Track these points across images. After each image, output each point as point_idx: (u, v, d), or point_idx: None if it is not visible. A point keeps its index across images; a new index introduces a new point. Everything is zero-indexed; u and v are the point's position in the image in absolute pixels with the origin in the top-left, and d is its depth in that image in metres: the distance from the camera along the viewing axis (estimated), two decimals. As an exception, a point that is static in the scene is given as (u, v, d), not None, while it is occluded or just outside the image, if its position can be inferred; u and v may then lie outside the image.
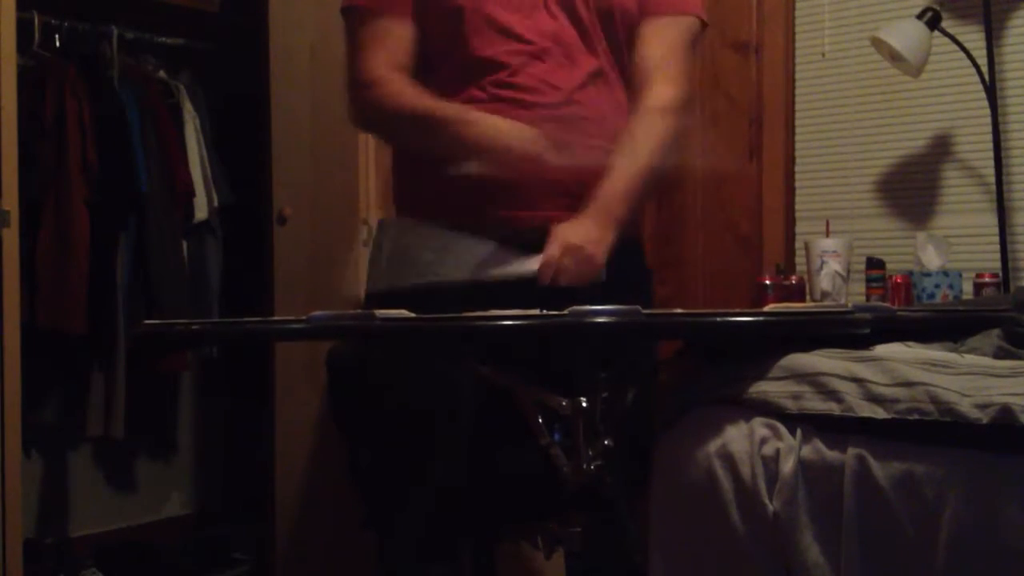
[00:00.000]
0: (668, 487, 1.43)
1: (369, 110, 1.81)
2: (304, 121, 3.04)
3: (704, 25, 1.87)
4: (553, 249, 1.61)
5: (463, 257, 1.61)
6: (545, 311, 1.38)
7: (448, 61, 1.79)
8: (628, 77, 1.82)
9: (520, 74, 1.74)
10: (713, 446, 1.38)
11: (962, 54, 2.48)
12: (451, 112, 1.70)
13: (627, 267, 1.85)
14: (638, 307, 1.34)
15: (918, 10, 2.48)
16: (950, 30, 2.49)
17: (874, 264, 2.51)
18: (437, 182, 1.79)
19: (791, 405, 1.34)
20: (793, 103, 2.86)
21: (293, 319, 1.43)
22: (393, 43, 1.79)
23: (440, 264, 1.67)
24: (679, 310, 1.58)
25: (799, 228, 2.84)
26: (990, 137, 2.46)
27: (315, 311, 1.38)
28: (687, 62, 1.82)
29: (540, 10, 1.77)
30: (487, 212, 1.75)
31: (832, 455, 1.30)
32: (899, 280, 2.43)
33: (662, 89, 1.76)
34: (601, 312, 1.32)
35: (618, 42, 1.83)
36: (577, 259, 1.62)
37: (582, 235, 1.63)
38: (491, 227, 1.75)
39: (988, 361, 1.35)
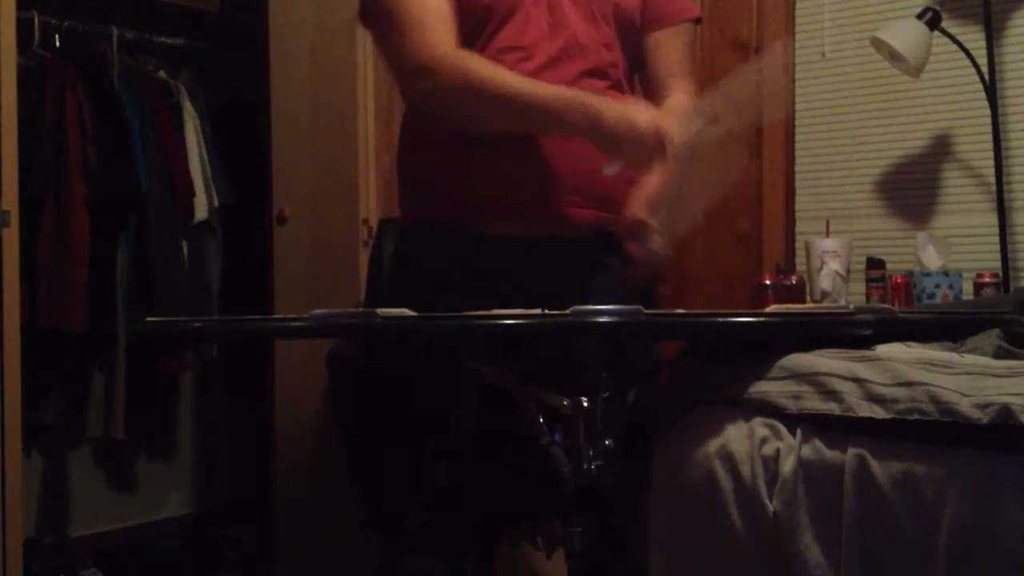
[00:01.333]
0: (668, 487, 1.43)
1: (450, 80, 1.65)
2: (304, 121, 3.04)
3: (698, 21, 1.94)
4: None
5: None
6: (546, 311, 1.38)
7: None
8: (643, 83, 1.87)
9: (514, 70, 1.73)
10: (713, 446, 1.38)
11: (962, 54, 2.48)
12: (578, 97, 1.61)
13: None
14: (639, 307, 1.34)
15: (918, 10, 2.48)
16: (950, 30, 2.49)
17: (874, 264, 2.51)
18: (445, 183, 1.78)
19: (791, 405, 1.34)
20: (793, 103, 2.85)
21: (294, 316, 1.43)
22: (448, 19, 1.68)
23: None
24: (680, 310, 1.58)
25: (799, 228, 2.84)
26: (990, 137, 2.46)
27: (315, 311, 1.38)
28: (693, 67, 1.91)
29: (546, 9, 1.76)
30: (495, 212, 1.75)
31: (832, 455, 1.30)
32: (899, 280, 2.43)
33: (681, 98, 1.81)
34: (602, 312, 1.32)
35: (625, 46, 1.83)
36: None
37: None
38: (493, 224, 1.75)
39: (988, 361, 1.35)
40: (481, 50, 1.72)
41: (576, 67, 1.75)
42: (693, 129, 1.58)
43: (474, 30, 1.74)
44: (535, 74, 1.70)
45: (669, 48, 1.85)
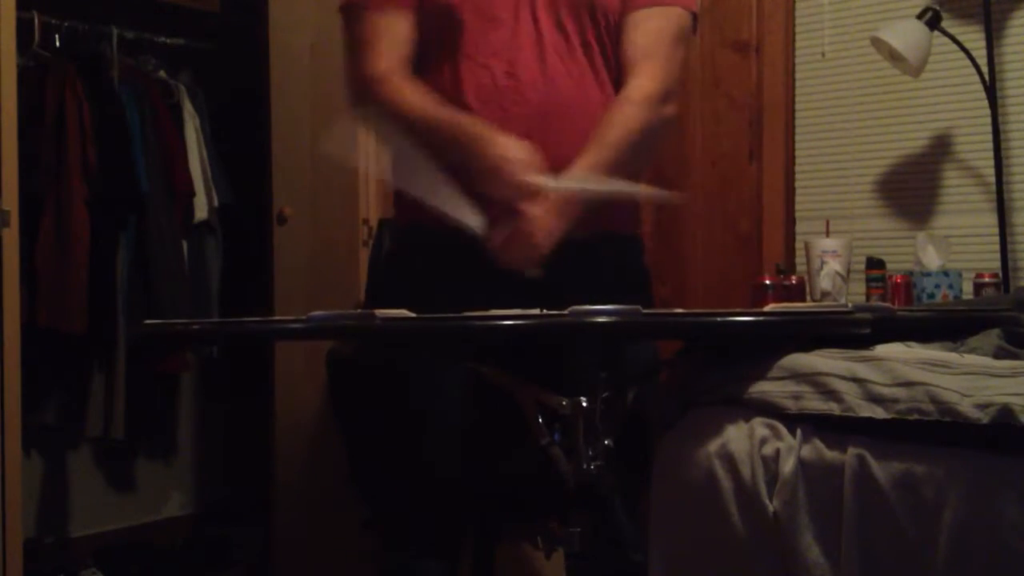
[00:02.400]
0: (668, 487, 1.43)
1: (377, 108, 1.77)
2: (304, 121, 3.04)
3: (694, 17, 1.86)
4: (506, 229, 1.61)
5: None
6: (545, 311, 1.38)
7: (432, 59, 1.80)
8: (617, 70, 1.82)
9: (510, 71, 1.74)
10: (713, 446, 1.38)
11: (962, 54, 2.48)
12: (467, 127, 1.67)
13: (627, 266, 1.86)
14: (638, 307, 1.34)
15: (918, 10, 2.48)
16: (950, 30, 2.49)
17: (874, 264, 2.51)
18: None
19: (791, 405, 1.34)
20: (793, 103, 2.85)
21: (293, 319, 1.43)
22: (397, 37, 1.77)
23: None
24: (679, 310, 1.58)
25: (799, 228, 2.84)
26: (990, 137, 2.46)
27: (315, 311, 1.38)
28: (671, 54, 1.80)
29: (523, 9, 1.77)
30: (491, 213, 1.75)
31: (832, 455, 1.30)
32: (899, 280, 2.43)
33: (641, 81, 1.76)
34: (601, 312, 1.32)
35: (604, 37, 1.83)
36: (524, 243, 1.62)
37: (538, 222, 1.62)
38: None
39: (988, 361, 1.35)
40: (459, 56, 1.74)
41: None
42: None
43: (446, 36, 1.76)
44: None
45: (641, 30, 1.78)
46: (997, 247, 2.48)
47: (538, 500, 1.73)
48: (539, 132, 1.71)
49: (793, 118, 2.86)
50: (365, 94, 1.78)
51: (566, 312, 1.32)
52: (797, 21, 2.85)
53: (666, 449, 1.45)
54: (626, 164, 1.71)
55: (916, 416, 1.24)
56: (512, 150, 1.61)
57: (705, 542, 1.38)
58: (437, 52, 1.78)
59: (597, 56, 1.81)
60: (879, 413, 1.27)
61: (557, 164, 1.72)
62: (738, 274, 2.84)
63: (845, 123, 2.78)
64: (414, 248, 1.83)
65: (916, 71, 2.48)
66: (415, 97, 1.72)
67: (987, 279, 2.37)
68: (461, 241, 1.74)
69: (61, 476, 3.52)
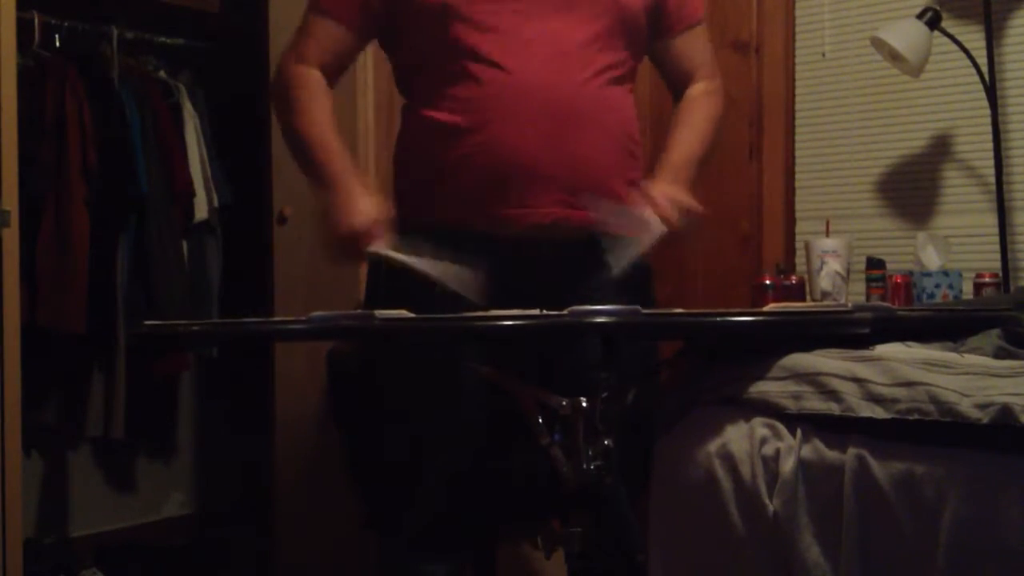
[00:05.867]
0: (668, 487, 1.43)
1: (277, 101, 1.88)
2: (304, 121, 3.03)
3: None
4: (658, 200, 1.73)
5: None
6: (545, 311, 1.38)
7: (435, 60, 1.79)
8: (668, 79, 1.99)
9: (511, 71, 1.74)
10: (713, 446, 1.38)
11: (962, 54, 2.48)
12: (328, 169, 1.77)
13: (630, 266, 1.85)
14: (638, 307, 1.34)
15: (918, 10, 2.48)
16: (950, 30, 2.49)
17: (874, 264, 2.51)
18: (438, 183, 1.79)
19: (791, 405, 1.34)
20: (793, 103, 2.85)
21: (293, 319, 1.43)
22: (327, 44, 1.85)
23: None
24: (679, 310, 1.58)
25: (799, 228, 2.84)
26: (990, 137, 2.46)
27: (315, 311, 1.38)
28: (714, 58, 2.03)
29: (545, 9, 1.77)
30: (489, 212, 1.75)
31: (832, 455, 1.30)
32: (899, 280, 2.43)
33: (710, 82, 1.97)
34: (601, 312, 1.32)
35: (628, 44, 1.84)
36: (679, 208, 1.74)
37: (672, 190, 1.77)
38: (493, 226, 1.75)
39: (988, 361, 1.35)
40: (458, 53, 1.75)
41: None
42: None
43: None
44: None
45: (691, 46, 1.97)
46: (997, 247, 2.48)
47: (538, 500, 1.73)
48: (557, 132, 1.72)
49: (793, 118, 2.86)
50: (277, 83, 1.87)
51: (566, 312, 1.32)
52: (797, 21, 2.85)
53: (666, 449, 1.45)
54: (711, 144, 1.92)
55: (916, 416, 1.25)
56: (354, 201, 1.70)
57: (705, 542, 1.38)
58: (436, 53, 1.78)
59: (622, 64, 1.83)
60: (879, 413, 1.27)
61: (575, 165, 1.72)
62: (738, 274, 2.84)
63: (845, 123, 2.78)
64: (414, 248, 1.83)
65: (916, 71, 2.48)
66: (307, 117, 1.81)
67: (987, 279, 2.37)
68: (463, 242, 1.74)
69: (61, 476, 3.52)
